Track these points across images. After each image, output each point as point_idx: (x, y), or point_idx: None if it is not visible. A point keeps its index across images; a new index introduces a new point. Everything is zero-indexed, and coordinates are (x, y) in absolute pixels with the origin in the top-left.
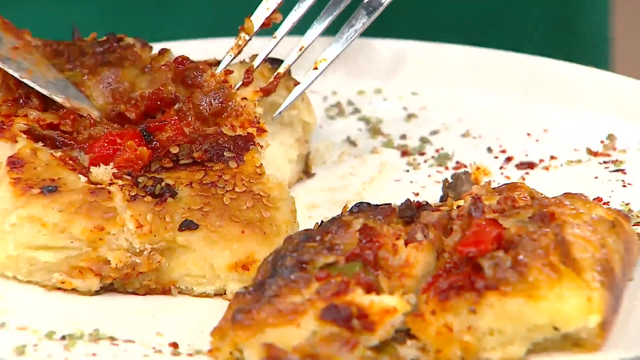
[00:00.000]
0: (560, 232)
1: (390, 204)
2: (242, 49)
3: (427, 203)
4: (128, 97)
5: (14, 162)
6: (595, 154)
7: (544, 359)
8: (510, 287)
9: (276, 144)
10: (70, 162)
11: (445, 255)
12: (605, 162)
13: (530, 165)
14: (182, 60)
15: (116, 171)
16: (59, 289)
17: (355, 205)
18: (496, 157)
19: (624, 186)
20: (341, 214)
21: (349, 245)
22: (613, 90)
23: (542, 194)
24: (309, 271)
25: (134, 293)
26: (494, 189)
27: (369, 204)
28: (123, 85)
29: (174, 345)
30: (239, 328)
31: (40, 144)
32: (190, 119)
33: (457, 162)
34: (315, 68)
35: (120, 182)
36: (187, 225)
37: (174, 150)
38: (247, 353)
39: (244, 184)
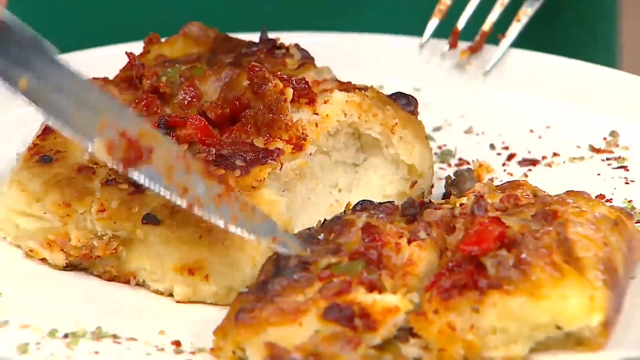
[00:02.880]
0: (563, 231)
1: (393, 202)
2: (445, 14)
3: (430, 201)
4: (222, 99)
5: (44, 130)
6: (598, 151)
7: (547, 357)
8: (513, 286)
9: (376, 176)
10: None
11: (448, 253)
12: (608, 159)
13: (533, 162)
14: (253, 67)
15: None
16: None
17: (358, 203)
18: (499, 154)
19: (627, 183)
20: (344, 212)
21: (352, 244)
22: (616, 86)
23: (544, 192)
24: (312, 271)
25: (98, 276)
26: (496, 186)
27: (371, 202)
28: (234, 88)
29: (177, 343)
30: (241, 327)
31: None
32: (249, 127)
33: (460, 159)
34: (518, 20)
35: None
36: (149, 219)
37: (183, 147)
38: (250, 352)
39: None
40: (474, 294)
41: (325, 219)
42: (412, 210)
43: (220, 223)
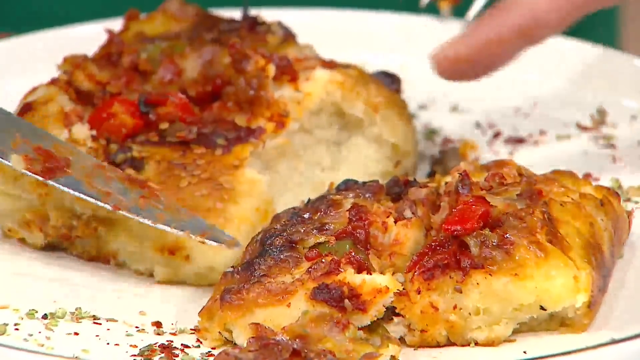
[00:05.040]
0: (548, 210)
1: (377, 181)
2: None
3: (414, 179)
4: (203, 77)
5: (25, 107)
6: (585, 129)
7: (531, 338)
8: (496, 266)
9: (360, 155)
10: (77, 118)
11: (433, 232)
12: (595, 137)
13: (519, 141)
14: (234, 44)
15: (94, 133)
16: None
17: (342, 182)
18: (484, 133)
19: (614, 162)
20: (328, 191)
21: (339, 224)
22: (604, 64)
23: (530, 171)
24: (299, 251)
25: (78, 257)
26: (482, 165)
27: (356, 181)
28: (215, 65)
29: (157, 324)
30: (227, 308)
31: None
32: (230, 104)
33: (445, 138)
34: None
35: (93, 144)
36: None
37: (163, 126)
38: (236, 333)
39: (211, 172)
40: (457, 274)
41: (309, 199)
42: (397, 189)
43: (148, 222)
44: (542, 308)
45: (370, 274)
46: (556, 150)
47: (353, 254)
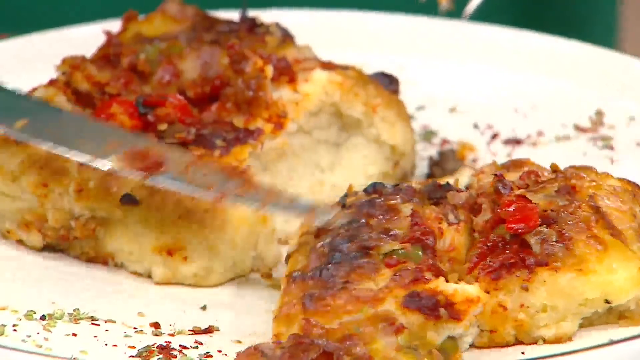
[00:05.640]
0: (596, 204)
1: (409, 184)
2: None
3: (447, 183)
4: (202, 78)
5: None
6: (584, 130)
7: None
8: (559, 262)
9: (358, 156)
10: None
11: (476, 235)
12: (593, 139)
13: (518, 142)
14: (232, 45)
15: None
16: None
17: (370, 185)
18: (483, 134)
19: (612, 163)
20: (346, 194)
21: (403, 230)
22: (602, 65)
23: (545, 169)
24: (374, 257)
25: (76, 258)
26: (501, 165)
27: (383, 184)
28: (213, 66)
29: (156, 325)
30: (312, 314)
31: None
32: (229, 105)
33: (443, 139)
34: None
35: None
36: (128, 200)
37: (162, 127)
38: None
39: None
40: (523, 272)
41: (344, 202)
42: (439, 194)
43: (254, 206)
44: (606, 302)
45: (448, 281)
46: (554, 151)
47: (430, 261)
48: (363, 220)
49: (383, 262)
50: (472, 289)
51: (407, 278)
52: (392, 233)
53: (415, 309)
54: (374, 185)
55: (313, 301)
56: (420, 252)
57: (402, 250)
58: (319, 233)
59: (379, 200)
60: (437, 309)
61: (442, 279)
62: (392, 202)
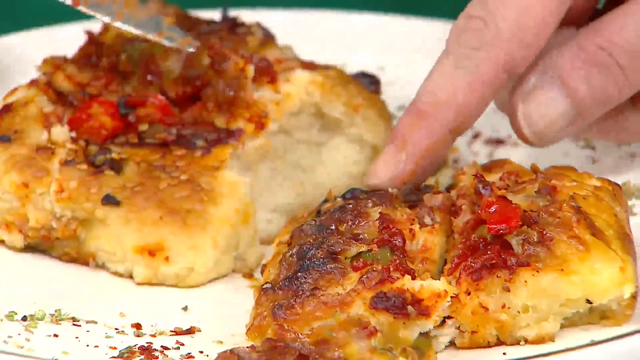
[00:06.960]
0: (577, 204)
1: (387, 189)
2: None
3: (426, 185)
4: (183, 78)
5: (5, 108)
6: None
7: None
8: (541, 262)
9: (340, 156)
10: (56, 119)
11: (455, 236)
12: (574, 139)
13: (499, 142)
14: (213, 45)
15: (74, 135)
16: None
17: (348, 191)
18: (464, 134)
19: (594, 162)
20: (326, 199)
21: (371, 234)
22: None
23: (528, 170)
24: (342, 261)
25: (58, 258)
26: (482, 166)
27: (361, 189)
28: (194, 66)
29: (137, 326)
30: (284, 323)
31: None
32: (209, 105)
33: None
34: None
35: (72, 146)
36: (109, 200)
37: (143, 127)
38: None
39: (191, 174)
40: (504, 273)
41: (319, 211)
42: (414, 197)
43: (106, 19)
44: (588, 302)
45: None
46: (536, 151)
47: (398, 261)
48: (333, 227)
49: (350, 266)
50: (438, 284)
51: (374, 279)
52: (360, 237)
53: (383, 309)
54: (352, 191)
55: (282, 310)
56: (388, 254)
57: (369, 253)
58: (291, 242)
59: (349, 205)
60: (404, 307)
61: (408, 277)
62: (362, 206)
